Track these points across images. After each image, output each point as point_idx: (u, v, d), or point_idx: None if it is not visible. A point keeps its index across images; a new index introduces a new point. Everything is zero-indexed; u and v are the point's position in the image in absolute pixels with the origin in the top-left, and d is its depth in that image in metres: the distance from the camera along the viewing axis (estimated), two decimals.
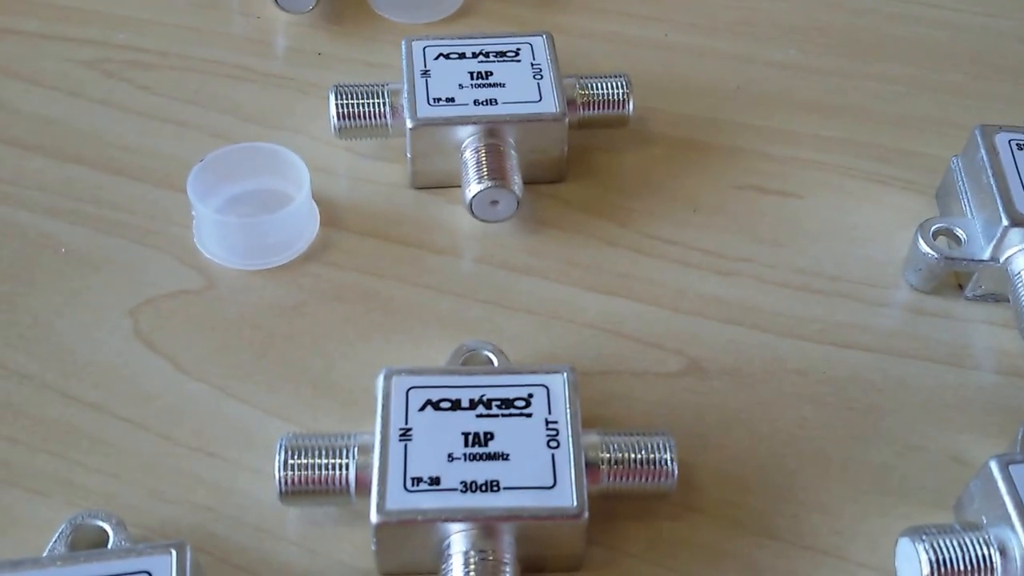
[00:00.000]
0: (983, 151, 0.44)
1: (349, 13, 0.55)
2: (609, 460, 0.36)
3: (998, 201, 0.42)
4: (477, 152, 0.45)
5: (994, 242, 0.42)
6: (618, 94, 0.47)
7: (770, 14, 0.57)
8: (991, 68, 0.54)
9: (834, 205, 0.48)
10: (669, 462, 0.36)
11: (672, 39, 0.55)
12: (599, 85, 0.48)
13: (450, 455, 0.35)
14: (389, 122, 0.47)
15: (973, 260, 0.43)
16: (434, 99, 0.46)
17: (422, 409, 0.36)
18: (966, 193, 0.45)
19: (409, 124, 0.45)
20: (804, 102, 0.52)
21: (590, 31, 0.55)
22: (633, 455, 0.36)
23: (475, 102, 0.46)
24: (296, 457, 0.36)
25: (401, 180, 0.48)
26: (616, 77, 0.48)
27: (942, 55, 0.55)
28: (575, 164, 0.48)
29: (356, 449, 0.36)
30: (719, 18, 0.56)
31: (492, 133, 0.45)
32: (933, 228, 0.44)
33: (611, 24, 0.56)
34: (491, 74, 0.47)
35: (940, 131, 0.51)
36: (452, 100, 0.46)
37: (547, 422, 0.36)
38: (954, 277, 0.45)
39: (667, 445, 0.37)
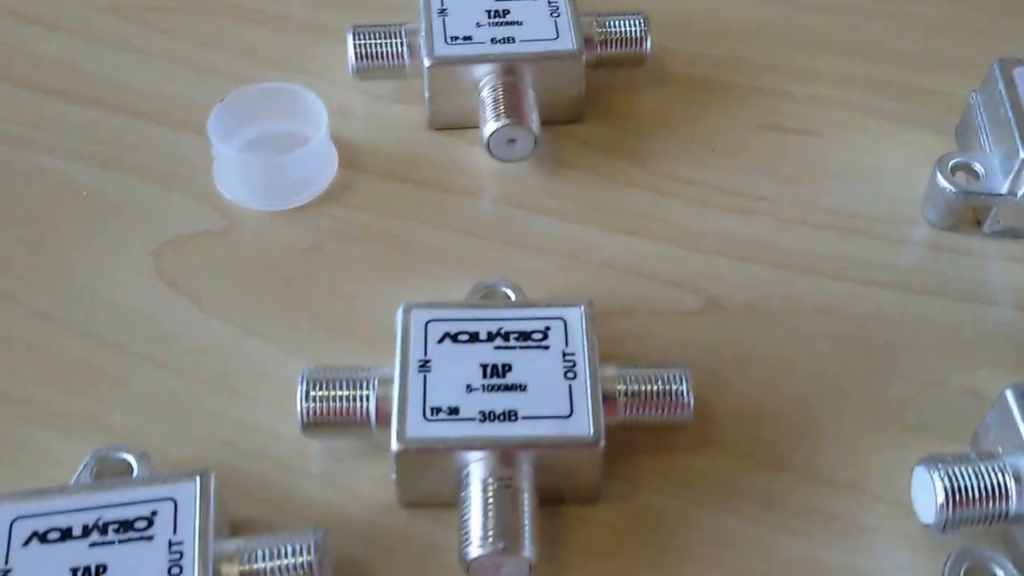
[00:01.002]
0: (1002, 84, 0.43)
1: None
2: (625, 392, 0.36)
3: (1016, 134, 0.42)
4: (495, 90, 0.45)
5: (1012, 175, 0.42)
6: (636, 32, 0.47)
7: None
8: (1012, 5, 0.54)
9: (853, 144, 0.48)
10: (685, 393, 0.37)
11: None
12: (616, 23, 0.47)
13: (468, 386, 0.36)
14: (406, 62, 0.46)
15: (991, 194, 0.43)
16: (451, 38, 0.46)
17: (441, 341, 0.37)
18: (985, 128, 0.45)
19: (426, 63, 0.45)
20: (823, 41, 0.52)
21: None
22: (649, 387, 0.37)
23: (492, 40, 0.46)
24: (317, 389, 0.36)
25: (419, 122, 0.48)
26: (633, 15, 0.48)
27: None
28: (592, 104, 0.48)
29: (376, 381, 0.36)
30: None
31: (509, 71, 0.45)
32: (951, 163, 0.44)
33: None
34: (508, 12, 0.46)
35: (960, 69, 0.50)
36: (469, 38, 0.46)
37: (564, 354, 0.36)
38: (972, 213, 0.45)
39: (683, 376, 0.37)
